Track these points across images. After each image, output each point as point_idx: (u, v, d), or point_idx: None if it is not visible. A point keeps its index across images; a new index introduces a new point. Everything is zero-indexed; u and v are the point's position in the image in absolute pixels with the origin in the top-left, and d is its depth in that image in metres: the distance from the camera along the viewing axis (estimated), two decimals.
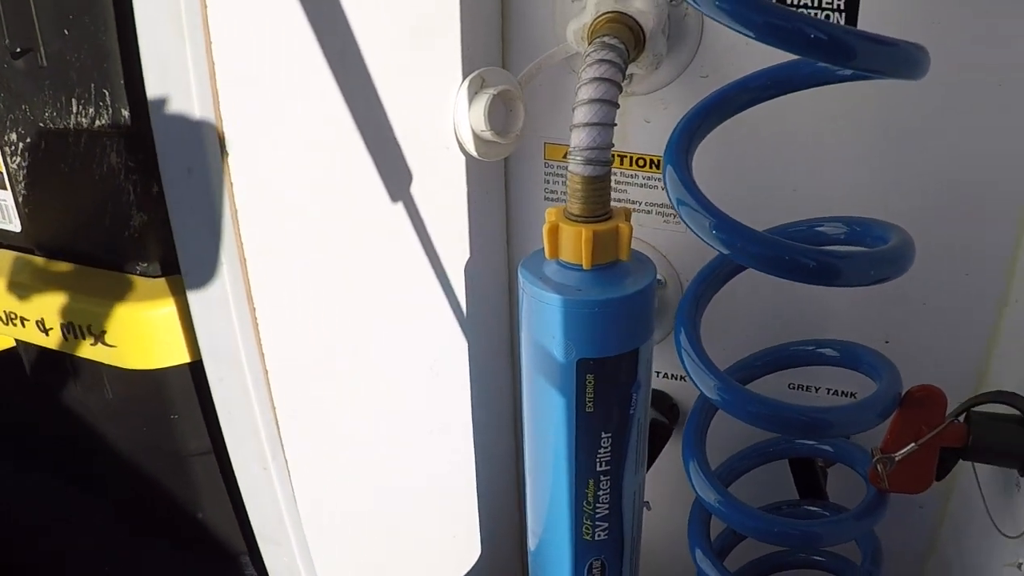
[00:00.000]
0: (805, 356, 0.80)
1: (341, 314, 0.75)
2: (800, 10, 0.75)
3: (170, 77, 0.60)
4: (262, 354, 0.66)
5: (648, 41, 0.75)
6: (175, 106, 0.61)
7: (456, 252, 0.88)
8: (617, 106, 0.67)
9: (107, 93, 0.67)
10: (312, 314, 0.72)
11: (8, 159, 0.74)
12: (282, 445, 0.70)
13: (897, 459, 0.70)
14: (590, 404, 0.69)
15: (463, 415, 0.96)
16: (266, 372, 0.67)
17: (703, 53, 0.80)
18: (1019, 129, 0.73)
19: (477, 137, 0.81)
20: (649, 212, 0.88)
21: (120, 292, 0.70)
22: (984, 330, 0.82)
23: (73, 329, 0.72)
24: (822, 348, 0.79)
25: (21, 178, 0.75)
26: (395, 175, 0.77)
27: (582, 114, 0.66)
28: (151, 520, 0.85)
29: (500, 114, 0.82)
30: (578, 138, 0.66)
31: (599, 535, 0.76)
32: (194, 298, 0.67)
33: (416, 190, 0.79)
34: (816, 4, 0.75)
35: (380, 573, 0.88)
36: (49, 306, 0.73)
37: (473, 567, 1.03)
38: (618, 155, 0.87)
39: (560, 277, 0.68)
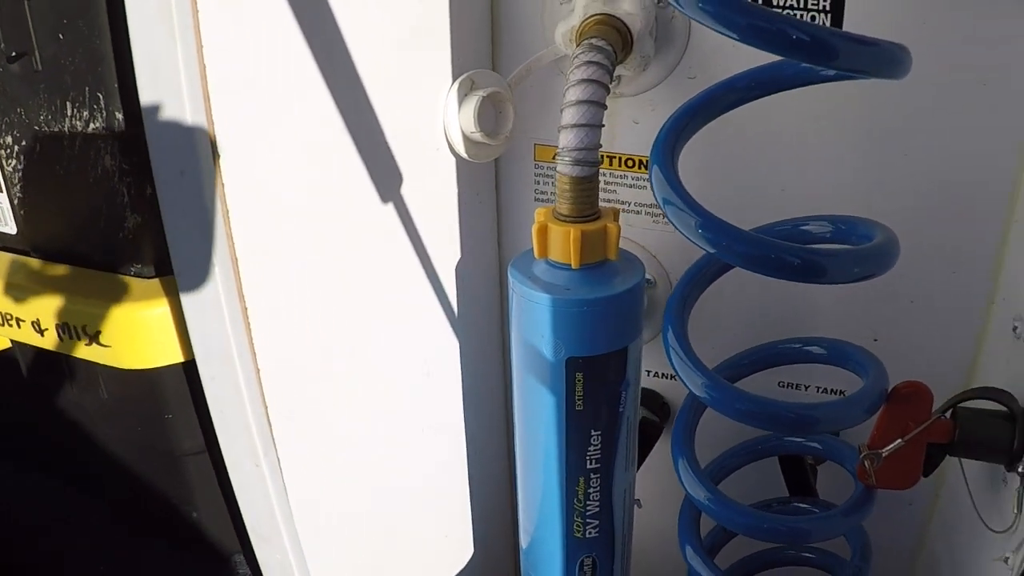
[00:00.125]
0: (792, 354, 0.81)
1: (333, 314, 0.76)
2: (786, 12, 0.76)
3: (162, 80, 0.61)
4: (254, 353, 0.67)
5: (636, 43, 0.76)
6: (167, 109, 0.62)
7: (447, 253, 0.88)
8: (605, 107, 0.67)
9: (101, 96, 0.68)
10: (304, 314, 0.73)
11: (4, 162, 0.75)
12: (274, 443, 0.71)
13: (884, 455, 0.70)
14: (580, 402, 0.70)
15: (455, 414, 0.96)
16: (258, 371, 0.68)
17: (690, 55, 0.80)
18: (1004, 128, 0.74)
19: (467, 139, 0.82)
20: (638, 212, 0.89)
21: (114, 293, 0.71)
22: (972, 328, 0.82)
23: (68, 330, 0.73)
24: (809, 346, 0.80)
25: (17, 181, 0.76)
26: (386, 177, 0.78)
27: (570, 115, 0.66)
28: (146, 520, 0.86)
29: (490, 116, 0.83)
30: (566, 139, 0.67)
31: (590, 532, 0.76)
32: (187, 298, 0.68)
33: (407, 191, 0.80)
34: (802, 5, 0.75)
35: (373, 573, 0.89)
36: (44, 307, 0.73)
37: (466, 566, 1.03)
38: (607, 156, 0.88)
39: (549, 276, 0.69)
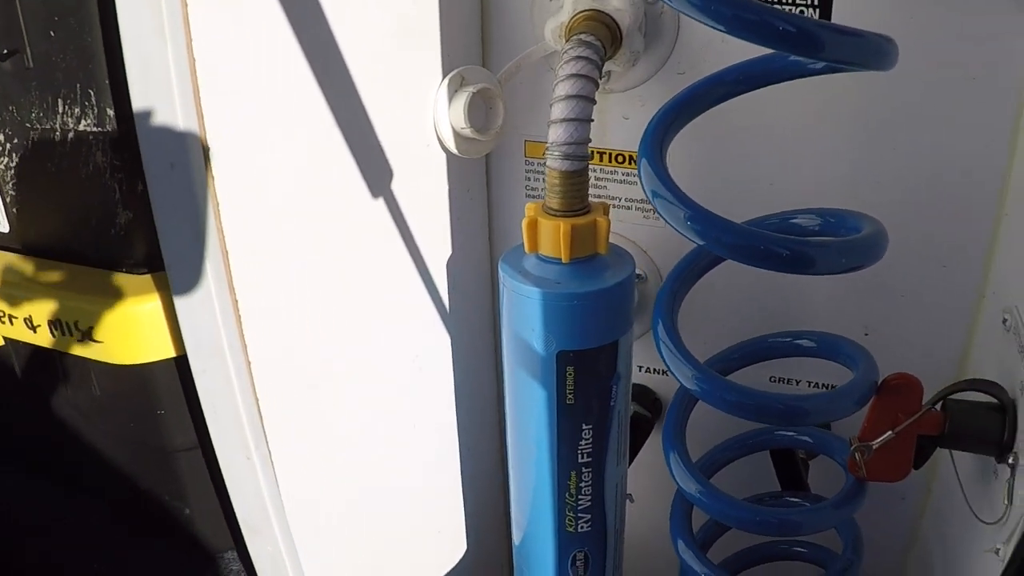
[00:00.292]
0: (782, 348, 0.81)
1: (324, 310, 0.76)
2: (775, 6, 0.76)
3: (153, 77, 0.61)
4: (244, 346, 0.67)
5: (625, 39, 0.76)
6: (158, 106, 0.62)
7: (438, 249, 0.89)
8: (594, 102, 0.68)
9: (92, 93, 0.68)
10: (295, 309, 0.73)
11: None
12: (265, 436, 0.71)
13: (875, 447, 0.70)
14: (570, 396, 0.70)
15: (447, 410, 0.96)
16: (248, 364, 0.68)
17: (680, 50, 0.81)
18: (993, 123, 0.74)
19: (457, 134, 0.82)
20: (629, 208, 0.89)
21: (106, 289, 0.71)
22: (963, 321, 0.82)
23: (60, 326, 0.73)
24: (799, 339, 0.80)
25: (9, 179, 0.76)
26: (376, 173, 0.78)
27: (559, 110, 0.67)
28: (139, 517, 0.86)
29: (480, 111, 0.83)
30: (556, 133, 0.67)
31: (582, 527, 0.76)
32: (178, 293, 0.68)
33: (397, 188, 0.80)
34: (790, 1, 0.76)
35: (366, 568, 0.89)
36: (37, 304, 0.74)
37: (459, 562, 1.04)
38: (597, 152, 0.88)
39: (539, 271, 0.69)
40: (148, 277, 0.71)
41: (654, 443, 0.93)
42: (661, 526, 0.85)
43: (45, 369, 0.80)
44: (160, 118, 0.62)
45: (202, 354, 0.69)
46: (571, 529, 0.76)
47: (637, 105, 0.84)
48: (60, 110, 0.70)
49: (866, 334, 0.85)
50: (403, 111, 0.80)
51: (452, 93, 0.81)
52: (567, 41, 0.72)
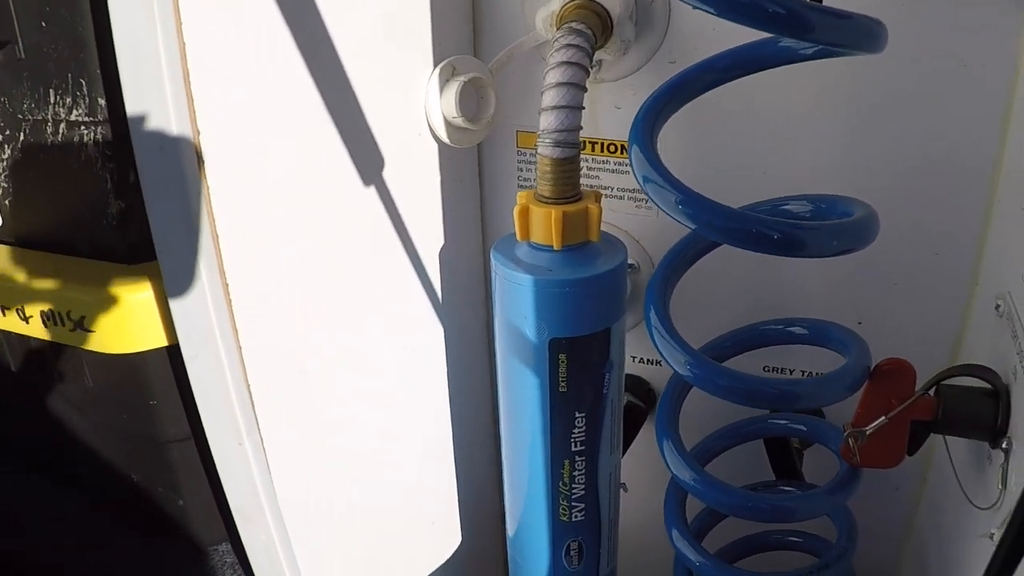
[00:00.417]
0: (775, 335, 0.81)
1: (316, 299, 0.76)
2: None
3: (143, 66, 0.61)
4: (236, 331, 0.67)
5: (616, 27, 0.76)
6: (149, 95, 0.62)
7: (430, 239, 0.89)
8: (584, 89, 0.68)
9: (84, 83, 0.68)
10: (287, 298, 0.73)
11: None
12: (257, 423, 0.71)
13: (868, 433, 0.70)
14: (563, 383, 0.70)
15: (440, 399, 0.96)
16: (240, 350, 0.68)
17: (671, 39, 0.81)
18: (985, 110, 0.75)
19: (448, 124, 0.82)
20: (621, 198, 0.89)
21: (98, 278, 0.71)
22: (956, 308, 0.83)
23: (53, 316, 0.73)
24: (791, 327, 0.80)
25: (1, 170, 0.76)
26: (369, 162, 0.78)
27: (550, 97, 0.67)
28: (132, 509, 0.86)
29: (471, 101, 0.83)
30: (547, 121, 0.67)
31: (576, 516, 0.76)
32: (170, 281, 0.68)
33: (389, 177, 0.80)
34: None
35: (360, 560, 0.89)
36: (29, 294, 0.74)
37: (454, 553, 1.03)
38: (589, 142, 0.88)
39: (531, 258, 0.69)
40: (140, 266, 0.71)
41: (647, 434, 0.93)
42: (655, 516, 0.85)
43: (37, 360, 0.80)
44: (151, 108, 0.62)
45: (194, 341, 0.69)
46: (565, 518, 0.76)
47: (628, 94, 0.84)
48: (52, 100, 0.70)
49: (860, 323, 0.85)
50: (394, 101, 0.80)
51: (443, 82, 0.81)
52: (558, 30, 0.72)
